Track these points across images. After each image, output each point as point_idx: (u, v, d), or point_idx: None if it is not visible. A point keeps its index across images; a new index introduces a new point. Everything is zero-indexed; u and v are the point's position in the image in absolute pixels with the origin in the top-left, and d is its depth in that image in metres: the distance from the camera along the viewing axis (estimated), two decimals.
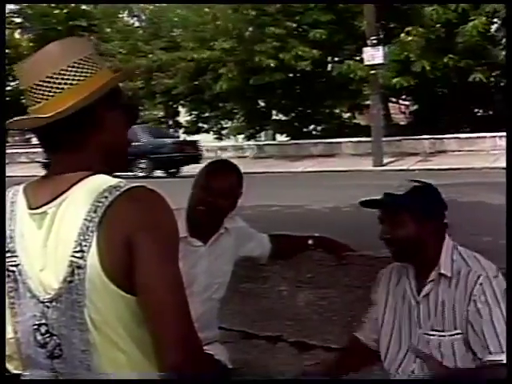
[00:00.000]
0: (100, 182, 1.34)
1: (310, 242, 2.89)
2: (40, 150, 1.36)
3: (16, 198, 1.42)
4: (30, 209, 1.38)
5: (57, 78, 1.36)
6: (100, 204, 1.30)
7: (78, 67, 1.38)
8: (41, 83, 1.36)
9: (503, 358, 1.94)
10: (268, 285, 3.30)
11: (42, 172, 1.45)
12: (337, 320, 3.14)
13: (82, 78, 1.37)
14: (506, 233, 2.26)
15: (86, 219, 1.29)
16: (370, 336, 2.32)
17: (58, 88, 1.36)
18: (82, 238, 1.29)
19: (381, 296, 2.29)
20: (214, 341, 2.64)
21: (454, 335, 2.05)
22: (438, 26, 17.18)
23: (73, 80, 1.37)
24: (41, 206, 1.36)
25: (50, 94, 1.36)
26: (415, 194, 2.13)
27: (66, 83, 1.36)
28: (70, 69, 1.37)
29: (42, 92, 1.37)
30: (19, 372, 1.43)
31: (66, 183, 1.35)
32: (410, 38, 17.38)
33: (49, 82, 1.36)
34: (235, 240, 2.69)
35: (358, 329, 2.38)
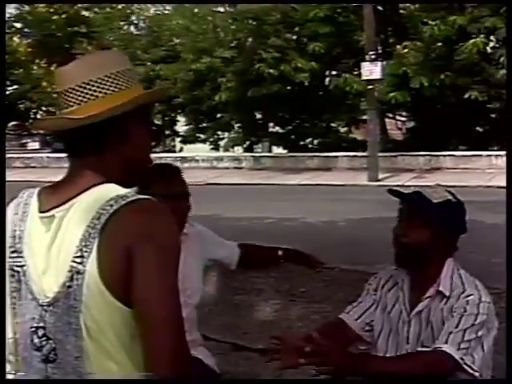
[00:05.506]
0: (108, 190, 1.35)
1: (279, 253, 2.88)
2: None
3: (30, 200, 1.44)
4: (41, 212, 1.40)
5: (93, 85, 1.40)
6: (104, 212, 1.30)
7: (114, 78, 1.41)
8: (77, 88, 1.39)
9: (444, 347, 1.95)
10: (261, 297, 3.29)
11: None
12: None
13: (116, 89, 1.41)
14: (506, 240, 2.25)
15: (89, 225, 1.30)
16: (355, 322, 2.29)
17: (92, 95, 1.39)
18: (83, 243, 1.30)
19: (372, 292, 2.30)
20: (197, 345, 2.62)
21: None
22: (437, 42, 17.20)
23: (108, 89, 1.40)
24: (50, 210, 1.38)
25: (84, 99, 1.39)
26: (446, 207, 2.15)
27: (100, 91, 1.40)
28: (106, 78, 1.41)
29: (76, 96, 1.40)
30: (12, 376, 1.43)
31: (77, 189, 1.37)
32: (406, 51, 17.42)
33: (84, 88, 1.39)
34: (200, 245, 2.70)
35: (345, 312, 2.36)
